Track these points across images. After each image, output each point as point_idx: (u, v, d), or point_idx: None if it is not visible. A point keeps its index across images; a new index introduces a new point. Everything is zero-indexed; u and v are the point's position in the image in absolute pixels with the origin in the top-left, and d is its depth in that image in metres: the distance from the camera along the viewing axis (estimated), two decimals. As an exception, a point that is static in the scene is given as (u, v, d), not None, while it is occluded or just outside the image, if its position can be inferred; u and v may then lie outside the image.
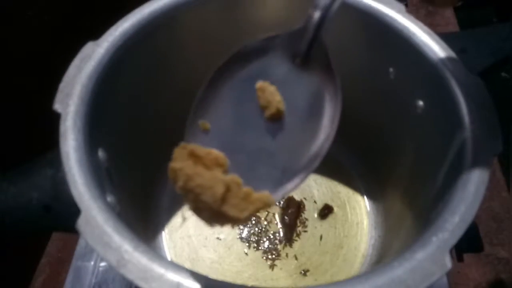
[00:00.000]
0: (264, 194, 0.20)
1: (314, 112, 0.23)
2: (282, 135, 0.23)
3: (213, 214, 0.19)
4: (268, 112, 0.23)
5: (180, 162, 0.19)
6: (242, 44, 0.24)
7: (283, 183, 0.22)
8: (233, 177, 0.19)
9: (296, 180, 0.22)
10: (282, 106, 0.23)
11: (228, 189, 0.19)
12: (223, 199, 0.19)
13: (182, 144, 0.20)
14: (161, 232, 0.40)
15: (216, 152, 0.20)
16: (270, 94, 0.23)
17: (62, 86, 0.26)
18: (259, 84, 0.23)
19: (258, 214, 0.41)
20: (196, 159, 0.20)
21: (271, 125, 0.23)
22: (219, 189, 0.18)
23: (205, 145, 0.21)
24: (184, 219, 0.40)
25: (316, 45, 0.23)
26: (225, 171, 0.20)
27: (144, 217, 0.38)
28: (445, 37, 0.29)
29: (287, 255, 0.39)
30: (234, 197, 0.19)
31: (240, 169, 0.21)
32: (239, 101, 0.23)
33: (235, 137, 0.23)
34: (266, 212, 0.41)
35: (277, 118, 0.23)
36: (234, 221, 0.19)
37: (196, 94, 0.37)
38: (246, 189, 0.20)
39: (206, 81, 0.23)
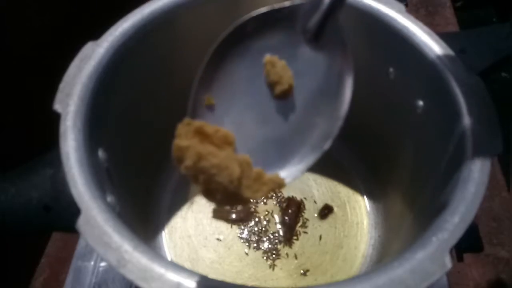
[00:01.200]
0: (275, 175, 0.19)
1: (324, 91, 0.22)
2: (290, 114, 0.22)
3: (227, 196, 0.18)
4: (279, 88, 0.21)
5: (186, 139, 0.18)
6: (247, 14, 0.22)
7: (293, 164, 0.21)
8: (244, 157, 0.18)
9: (306, 162, 0.21)
10: (293, 82, 0.21)
11: (241, 169, 0.18)
12: (239, 179, 0.18)
13: (186, 120, 0.19)
14: (161, 232, 0.40)
15: (224, 130, 0.19)
16: (281, 69, 0.21)
17: (62, 86, 0.26)
18: (268, 58, 0.21)
19: (258, 213, 0.41)
20: (203, 137, 0.18)
21: (279, 102, 0.21)
22: (236, 170, 0.17)
23: (209, 122, 0.19)
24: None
25: (330, 22, 0.21)
26: (233, 150, 0.19)
27: (144, 217, 0.38)
28: (445, 37, 0.29)
29: (287, 255, 0.39)
30: (247, 178, 0.18)
31: (248, 148, 0.20)
32: (245, 76, 0.22)
33: (241, 114, 0.21)
34: (266, 212, 0.41)
35: (286, 95, 0.21)
36: (247, 202, 0.19)
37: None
38: (257, 169, 0.19)
39: (208, 53, 0.21)
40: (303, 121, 0.22)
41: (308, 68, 0.22)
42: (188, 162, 0.17)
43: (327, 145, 0.21)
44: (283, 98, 0.21)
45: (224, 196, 0.18)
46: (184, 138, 0.18)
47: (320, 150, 0.21)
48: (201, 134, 0.18)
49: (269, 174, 0.19)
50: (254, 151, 0.20)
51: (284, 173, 0.20)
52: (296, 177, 0.21)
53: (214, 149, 0.18)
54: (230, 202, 0.18)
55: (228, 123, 0.20)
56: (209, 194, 0.18)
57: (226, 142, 0.19)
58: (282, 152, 0.21)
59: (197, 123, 0.19)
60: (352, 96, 0.21)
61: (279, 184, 0.19)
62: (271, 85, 0.21)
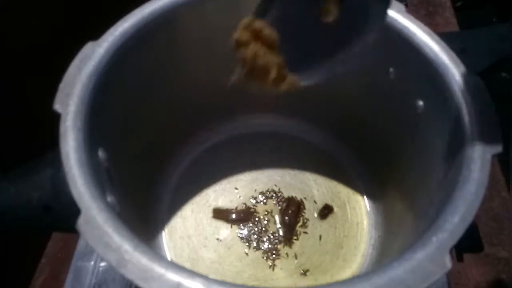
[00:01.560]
0: (295, 77, 0.24)
1: (359, 23, 0.25)
2: (327, 35, 0.24)
3: (260, 85, 0.23)
4: (327, 18, 0.24)
5: (245, 34, 0.22)
6: None
7: (311, 73, 0.25)
8: (282, 60, 0.23)
9: (323, 74, 0.25)
10: (339, 16, 0.24)
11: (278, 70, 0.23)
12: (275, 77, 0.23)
13: (252, 18, 0.23)
14: (161, 232, 0.40)
15: (275, 34, 0.23)
16: (335, 3, 0.24)
17: (62, 86, 0.26)
18: None
19: (258, 213, 0.41)
20: (259, 35, 0.22)
21: (323, 25, 0.24)
22: (274, 72, 0.22)
23: (265, 21, 0.23)
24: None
25: None
26: (276, 52, 0.23)
27: (144, 217, 0.38)
28: (445, 37, 0.29)
29: (287, 255, 0.39)
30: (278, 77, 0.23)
31: (285, 51, 0.23)
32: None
33: (289, 24, 0.24)
34: (266, 212, 0.41)
35: (331, 24, 0.24)
36: (269, 92, 0.23)
37: (196, 94, 0.37)
38: (284, 70, 0.23)
39: None
40: (334, 42, 0.25)
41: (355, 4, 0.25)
42: (246, 55, 0.22)
43: (340, 68, 0.25)
44: (327, 24, 0.24)
45: (257, 86, 0.23)
46: (244, 33, 0.23)
47: (332, 71, 0.25)
48: (258, 33, 0.23)
49: (291, 76, 0.24)
50: (289, 55, 0.24)
51: (302, 77, 0.25)
52: (310, 83, 0.25)
53: (264, 50, 0.22)
54: (257, 89, 0.23)
55: (279, 26, 0.24)
56: (246, 79, 0.23)
57: (273, 45, 0.23)
58: (308, 61, 0.25)
59: (259, 24, 0.23)
60: (373, 41, 0.25)
61: (296, 85, 0.24)
62: (321, 12, 0.24)
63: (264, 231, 0.40)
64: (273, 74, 0.23)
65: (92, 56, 0.27)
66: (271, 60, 0.23)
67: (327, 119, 0.43)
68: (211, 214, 0.41)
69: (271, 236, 0.40)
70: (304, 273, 0.38)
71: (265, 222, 0.40)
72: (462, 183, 0.23)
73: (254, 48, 0.23)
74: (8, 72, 0.42)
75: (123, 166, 0.30)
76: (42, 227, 0.30)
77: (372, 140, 0.39)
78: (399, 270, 0.20)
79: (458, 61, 0.28)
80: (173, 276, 0.20)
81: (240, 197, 0.42)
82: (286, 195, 0.42)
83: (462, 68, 0.27)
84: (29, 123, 0.44)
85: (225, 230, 0.40)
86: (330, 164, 0.44)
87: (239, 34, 0.23)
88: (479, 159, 0.24)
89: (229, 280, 0.36)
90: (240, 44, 0.23)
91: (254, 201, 0.42)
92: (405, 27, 0.30)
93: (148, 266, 0.20)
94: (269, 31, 0.23)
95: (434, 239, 0.21)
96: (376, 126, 0.38)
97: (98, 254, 0.23)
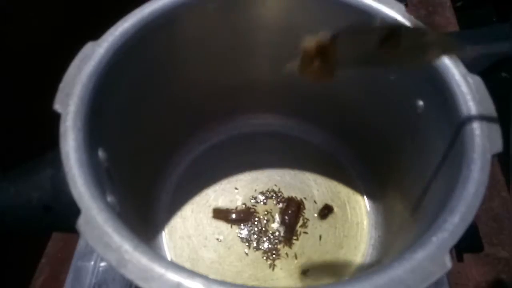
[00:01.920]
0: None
1: None
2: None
3: (308, 79, 0.26)
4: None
5: (314, 45, 0.24)
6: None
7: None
8: (333, 69, 0.25)
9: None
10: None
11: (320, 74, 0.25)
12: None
13: (328, 38, 0.24)
14: (161, 232, 0.40)
15: (338, 56, 0.24)
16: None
17: (62, 86, 0.26)
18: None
19: (258, 213, 0.41)
20: (325, 53, 0.24)
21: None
22: (325, 78, 0.25)
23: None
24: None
25: None
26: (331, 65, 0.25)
27: (144, 217, 0.38)
28: (445, 37, 0.29)
29: (287, 255, 0.39)
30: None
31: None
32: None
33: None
34: (266, 212, 0.41)
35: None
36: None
37: (196, 94, 0.37)
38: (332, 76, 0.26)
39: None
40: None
41: None
42: (303, 60, 0.25)
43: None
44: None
45: (308, 76, 0.25)
46: (315, 44, 0.24)
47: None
48: (325, 52, 0.24)
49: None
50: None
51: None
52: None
53: (323, 65, 0.24)
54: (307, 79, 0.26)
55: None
56: (300, 72, 0.25)
57: (331, 63, 0.24)
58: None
59: (330, 46, 0.24)
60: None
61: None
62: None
63: (264, 231, 0.40)
64: (323, 78, 0.26)
65: (92, 56, 0.27)
66: (325, 69, 0.25)
67: (327, 119, 0.43)
68: (211, 214, 0.41)
69: (271, 236, 0.40)
70: (304, 273, 0.38)
71: (265, 222, 0.40)
72: (462, 183, 0.23)
73: (316, 62, 0.24)
74: (8, 72, 0.42)
75: (123, 166, 0.30)
76: (42, 227, 0.30)
77: (372, 140, 0.39)
78: (399, 270, 0.20)
79: (458, 61, 0.28)
80: (173, 276, 0.20)
81: (240, 197, 0.42)
82: (286, 195, 0.42)
83: (462, 68, 0.27)
84: (29, 123, 0.44)
85: (225, 230, 0.40)
86: (330, 164, 0.44)
87: (310, 46, 0.24)
88: (479, 159, 0.24)
89: (229, 280, 0.36)
90: (306, 53, 0.24)
91: (254, 201, 0.42)
92: (405, 27, 0.30)
93: (148, 266, 0.20)
94: (335, 54, 0.24)
95: (434, 239, 0.21)
96: (376, 126, 0.38)
97: (98, 254, 0.23)
